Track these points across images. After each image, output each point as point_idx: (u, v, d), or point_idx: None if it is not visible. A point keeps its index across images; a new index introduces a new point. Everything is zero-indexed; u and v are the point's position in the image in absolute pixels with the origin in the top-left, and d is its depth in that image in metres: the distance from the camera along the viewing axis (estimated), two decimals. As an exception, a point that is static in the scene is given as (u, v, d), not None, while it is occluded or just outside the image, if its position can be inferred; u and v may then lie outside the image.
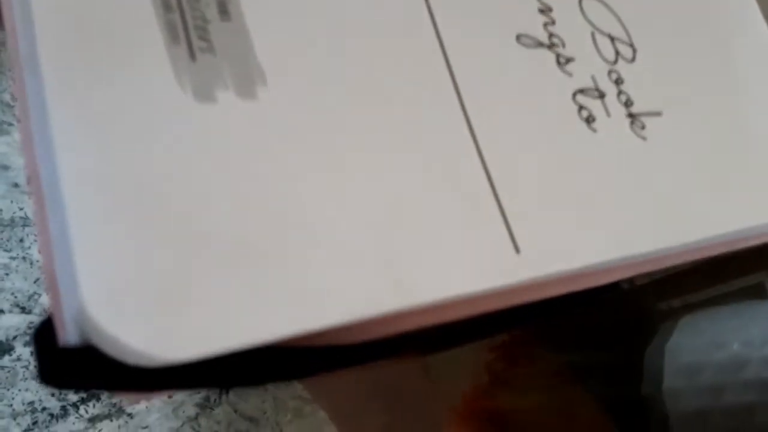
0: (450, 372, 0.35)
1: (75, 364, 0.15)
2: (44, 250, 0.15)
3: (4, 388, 0.50)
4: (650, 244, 0.20)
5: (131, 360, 0.14)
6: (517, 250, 0.18)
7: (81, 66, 0.15)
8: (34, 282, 0.55)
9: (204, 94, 0.16)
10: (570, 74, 0.21)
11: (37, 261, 0.59)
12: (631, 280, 0.28)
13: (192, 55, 0.16)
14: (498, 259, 0.18)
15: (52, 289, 0.15)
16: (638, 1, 0.24)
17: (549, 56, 0.21)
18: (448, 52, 0.20)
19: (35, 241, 0.59)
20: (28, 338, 0.54)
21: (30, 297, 0.55)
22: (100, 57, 0.16)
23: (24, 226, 0.57)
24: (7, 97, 0.58)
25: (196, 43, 0.17)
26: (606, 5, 0.23)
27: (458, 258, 0.17)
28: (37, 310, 0.55)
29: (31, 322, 0.56)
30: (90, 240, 0.14)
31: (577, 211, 0.20)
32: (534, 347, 0.36)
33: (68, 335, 0.15)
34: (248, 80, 0.17)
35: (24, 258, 0.56)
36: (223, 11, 0.17)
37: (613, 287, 0.22)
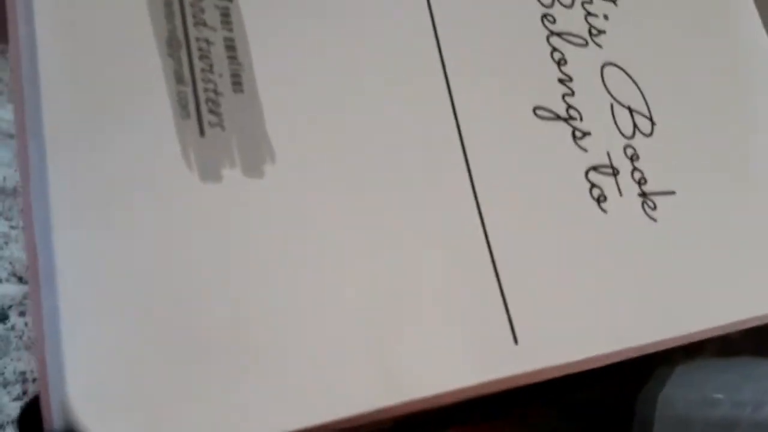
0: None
1: None
2: (37, 331, 0.15)
3: (-3, 356, 0.50)
4: (653, 336, 0.20)
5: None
6: (515, 341, 0.18)
7: (84, 138, 0.15)
8: (33, 253, 0.55)
9: (210, 173, 0.16)
10: (585, 149, 0.21)
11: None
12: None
13: (201, 130, 0.16)
14: (495, 350, 0.18)
15: (42, 372, 0.15)
16: (662, 72, 0.23)
17: (565, 130, 0.21)
18: (462, 125, 0.19)
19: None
20: (23, 308, 0.54)
21: (27, 267, 0.55)
22: (105, 133, 0.15)
23: (26, 196, 0.56)
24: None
25: (206, 117, 0.16)
26: (628, 75, 0.23)
27: (455, 351, 0.17)
28: (34, 282, 0.55)
29: (28, 293, 0.56)
30: (80, 334, 0.14)
31: (581, 301, 0.19)
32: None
33: (54, 420, 0.14)
34: (257, 157, 0.16)
35: (24, 228, 0.55)
36: (237, 83, 0.17)
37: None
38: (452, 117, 0.19)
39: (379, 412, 0.16)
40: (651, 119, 0.23)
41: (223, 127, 0.16)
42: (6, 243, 0.53)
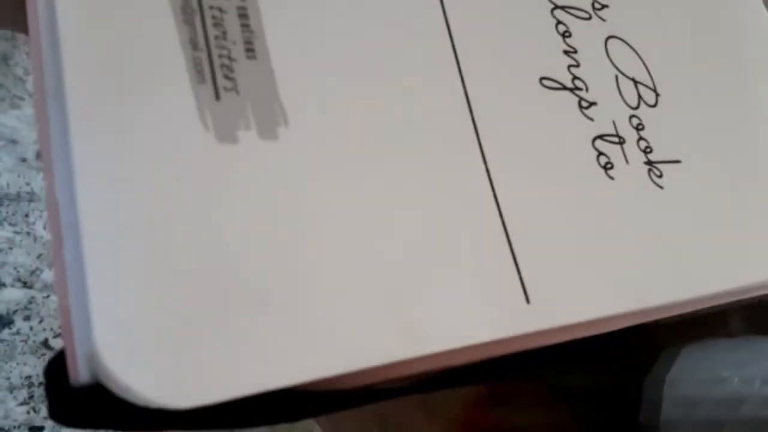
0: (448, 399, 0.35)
1: (85, 404, 0.15)
2: (60, 285, 0.15)
3: (3, 361, 0.51)
4: (662, 297, 0.20)
5: (141, 403, 0.14)
6: (527, 300, 0.18)
7: (105, 103, 0.15)
8: (37, 258, 0.55)
9: (226, 134, 0.16)
10: (591, 119, 0.21)
11: (41, 237, 0.59)
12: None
13: (216, 94, 0.16)
14: (508, 309, 0.18)
15: (66, 326, 0.15)
16: (664, 45, 0.24)
17: (571, 99, 0.21)
18: (470, 94, 0.20)
19: (40, 216, 0.59)
20: (28, 313, 0.54)
21: (32, 272, 0.55)
22: (125, 95, 0.15)
23: (30, 201, 0.57)
24: (19, 71, 0.57)
25: (221, 82, 0.16)
26: (631, 47, 0.23)
27: (469, 307, 0.18)
28: (38, 286, 0.55)
29: (33, 297, 0.56)
30: (106, 283, 0.14)
31: (590, 262, 0.20)
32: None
33: (80, 373, 0.15)
34: (271, 120, 0.17)
35: (28, 233, 0.56)
36: (249, 49, 0.17)
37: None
38: (461, 86, 0.20)
39: (396, 365, 0.17)
40: (655, 91, 0.23)
41: (237, 92, 0.17)
42: (10, 248, 0.53)
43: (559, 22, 0.22)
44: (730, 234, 0.22)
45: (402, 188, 0.18)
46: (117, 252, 0.14)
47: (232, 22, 0.17)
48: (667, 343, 0.36)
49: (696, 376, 0.33)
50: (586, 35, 0.22)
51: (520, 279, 0.18)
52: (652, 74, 0.23)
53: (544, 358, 0.20)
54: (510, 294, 0.18)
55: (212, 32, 0.17)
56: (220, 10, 0.17)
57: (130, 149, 0.15)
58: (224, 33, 0.17)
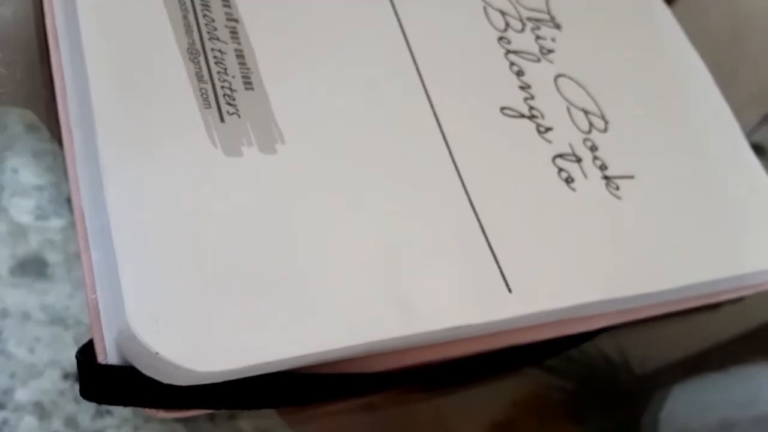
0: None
1: (113, 383, 0.16)
2: (89, 284, 0.17)
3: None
4: (625, 290, 0.22)
5: (164, 378, 0.16)
6: (509, 290, 0.20)
7: (129, 126, 0.18)
8: (10, 376, 0.55)
9: (232, 149, 0.18)
10: (550, 141, 0.24)
11: (15, 354, 0.59)
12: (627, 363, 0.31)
13: (221, 117, 0.19)
14: (493, 297, 0.20)
15: (94, 316, 0.16)
16: (607, 80, 0.27)
17: (530, 125, 0.24)
18: (440, 118, 0.22)
19: (14, 333, 0.59)
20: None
21: (5, 392, 0.55)
22: (147, 118, 0.18)
23: (4, 317, 0.57)
24: None
25: (225, 107, 0.19)
26: (578, 83, 0.26)
27: (458, 295, 0.19)
28: (11, 406, 0.55)
29: (6, 419, 0.55)
30: (134, 270, 0.16)
31: (562, 258, 0.22)
32: (534, 421, 0.37)
33: (108, 355, 0.16)
34: (269, 139, 0.19)
35: (1, 351, 0.56)
36: (247, 82, 0.20)
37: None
38: (434, 119, 0.22)
39: (399, 354, 0.18)
40: (604, 118, 0.26)
41: (239, 115, 0.19)
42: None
43: (512, 64, 0.25)
44: (683, 237, 0.25)
45: (391, 198, 0.20)
46: (144, 248, 0.16)
47: (231, 61, 0.20)
48: (660, 387, 0.38)
49: (687, 409, 0.34)
50: (537, 74, 0.26)
51: (501, 273, 0.20)
52: (599, 105, 0.26)
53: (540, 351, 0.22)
54: (493, 286, 0.20)
55: (215, 68, 0.19)
56: (221, 51, 0.20)
57: (151, 160, 0.17)
58: (225, 69, 0.20)
